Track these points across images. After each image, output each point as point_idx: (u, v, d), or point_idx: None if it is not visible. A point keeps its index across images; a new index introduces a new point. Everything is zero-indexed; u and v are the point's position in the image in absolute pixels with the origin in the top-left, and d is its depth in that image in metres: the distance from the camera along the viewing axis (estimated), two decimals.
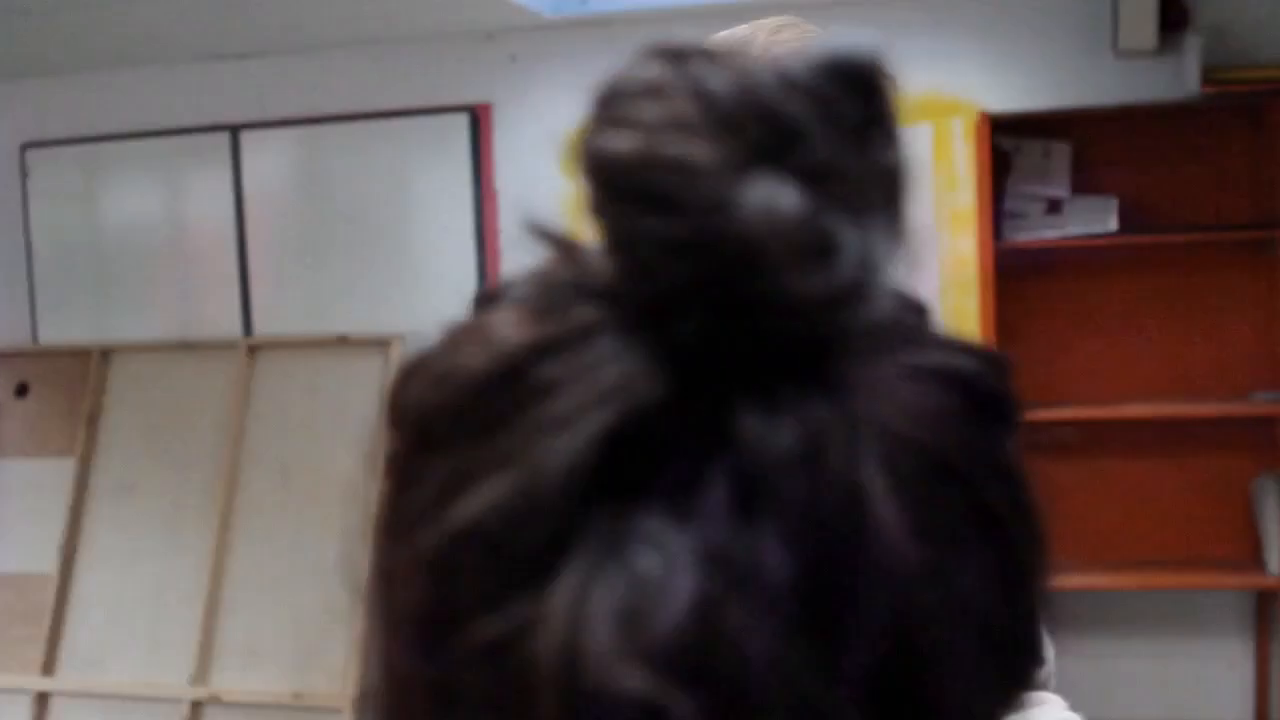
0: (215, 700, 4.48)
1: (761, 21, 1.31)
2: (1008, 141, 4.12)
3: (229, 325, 4.90)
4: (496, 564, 0.35)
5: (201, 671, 4.50)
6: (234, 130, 4.87)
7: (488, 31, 4.59)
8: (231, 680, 4.50)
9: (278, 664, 4.45)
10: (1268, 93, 3.93)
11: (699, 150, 0.35)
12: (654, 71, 0.38)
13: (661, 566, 0.34)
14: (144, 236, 5.04)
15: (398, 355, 4.55)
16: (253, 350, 4.76)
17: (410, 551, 0.38)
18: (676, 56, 0.38)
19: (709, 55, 0.38)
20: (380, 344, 4.61)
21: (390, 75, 4.69)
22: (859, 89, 0.36)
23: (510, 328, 0.38)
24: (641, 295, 0.36)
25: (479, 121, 4.64)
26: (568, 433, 0.35)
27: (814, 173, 0.35)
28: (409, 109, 4.68)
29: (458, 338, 0.40)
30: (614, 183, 0.37)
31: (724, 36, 1.31)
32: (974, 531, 0.37)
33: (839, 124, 0.36)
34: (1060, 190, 4.11)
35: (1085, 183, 4.13)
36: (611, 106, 0.38)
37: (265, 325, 4.86)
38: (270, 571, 4.54)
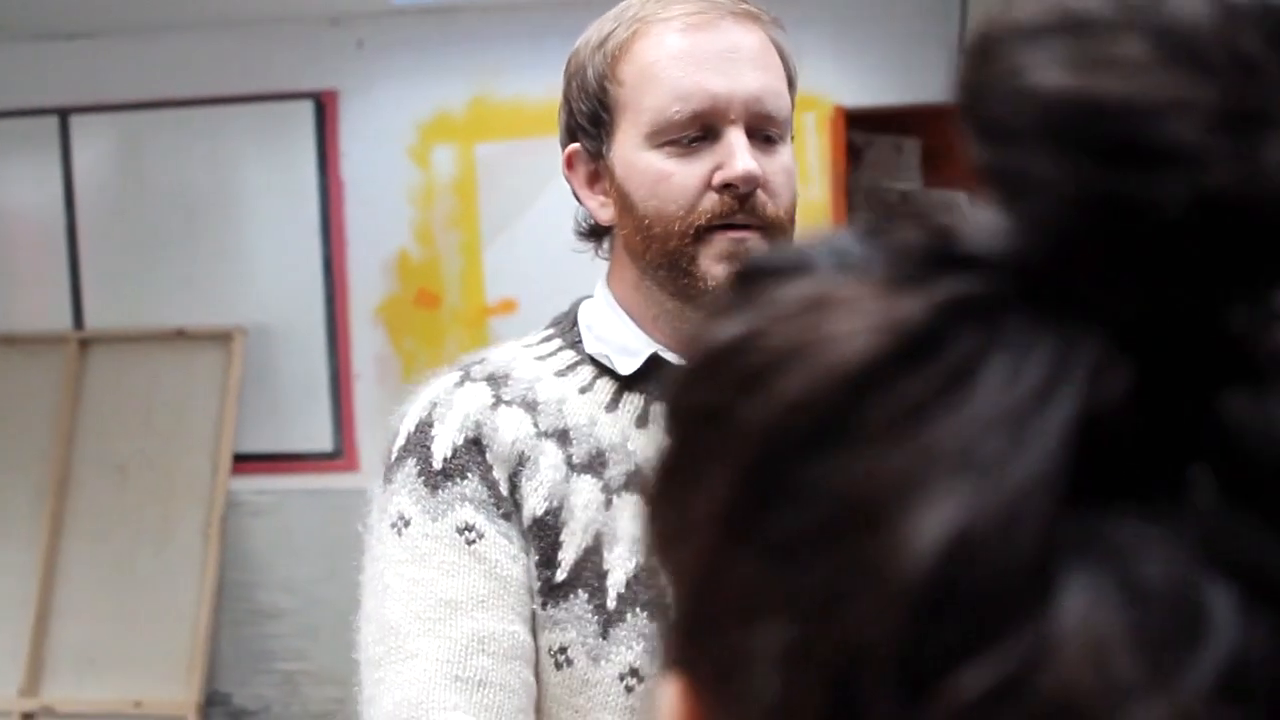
0: (49, 712, 4.29)
1: None
2: (859, 136, 4.14)
3: (57, 318, 4.68)
4: (977, 596, 0.29)
5: (32, 682, 4.29)
6: (63, 114, 4.65)
7: (333, 17, 4.45)
8: (66, 690, 4.31)
9: (116, 672, 4.27)
10: None
11: (1197, 92, 0.29)
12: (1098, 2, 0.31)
13: (1171, 580, 0.28)
14: None
15: (240, 349, 4.40)
16: (84, 344, 4.55)
17: (819, 599, 0.31)
18: None
19: None
20: (221, 337, 4.45)
21: (232, 60, 4.53)
22: None
23: (880, 302, 0.32)
24: (1081, 265, 0.30)
25: (324, 109, 4.51)
26: (1029, 431, 0.29)
27: None
28: (252, 95, 4.52)
29: (795, 318, 0.33)
30: (1063, 129, 0.30)
31: (612, 10, 1.23)
32: None
33: None
34: (911, 184, 4.15)
35: (936, 178, 4.17)
36: (1048, 39, 0.31)
37: (97, 319, 4.65)
38: (107, 575, 4.35)
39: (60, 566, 4.38)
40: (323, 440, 4.51)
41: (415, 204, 4.48)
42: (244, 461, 4.44)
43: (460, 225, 4.46)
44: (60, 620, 4.35)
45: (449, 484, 1.15)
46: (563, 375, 1.22)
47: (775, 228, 1.16)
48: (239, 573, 4.41)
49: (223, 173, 4.59)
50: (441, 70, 4.45)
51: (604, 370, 1.22)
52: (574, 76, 1.21)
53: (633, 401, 1.21)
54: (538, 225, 4.39)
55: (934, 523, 0.28)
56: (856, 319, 0.31)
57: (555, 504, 1.15)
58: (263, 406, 4.50)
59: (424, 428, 1.17)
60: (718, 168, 1.14)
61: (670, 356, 1.20)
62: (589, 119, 1.20)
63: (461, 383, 1.20)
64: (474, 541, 1.13)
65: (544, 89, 4.36)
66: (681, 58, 1.14)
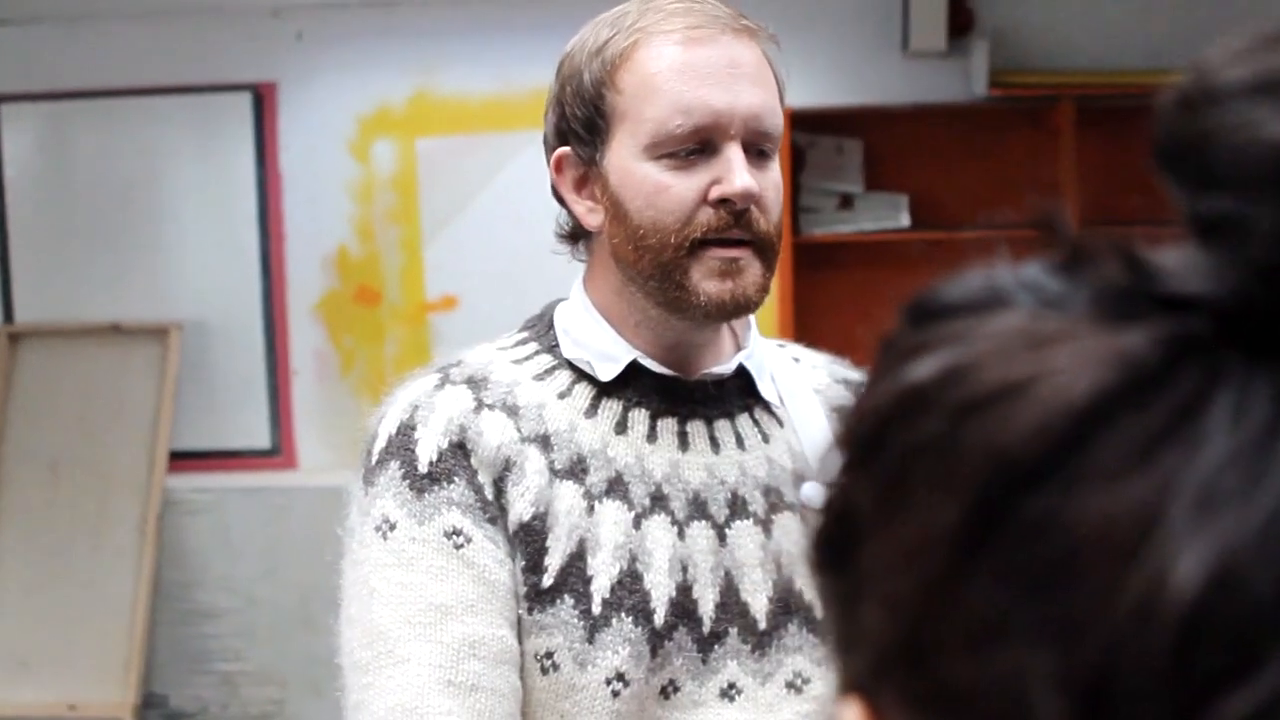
0: None
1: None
2: (802, 137, 4.15)
3: None
4: (1239, 624, 0.30)
5: None
6: None
7: (273, 8, 4.39)
8: None
9: (50, 673, 4.20)
10: (1050, 97, 4.07)
11: None
12: None
13: None
14: None
15: (176, 345, 4.34)
16: (14, 338, 4.47)
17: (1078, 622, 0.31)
18: None
19: None
20: (158, 332, 4.39)
21: (170, 50, 4.44)
22: None
23: (1101, 338, 0.33)
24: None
25: (263, 101, 4.44)
26: (1266, 465, 0.30)
27: None
28: (189, 85, 4.45)
29: (1011, 353, 0.34)
30: None
31: (604, 14, 1.22)
32: None
33: None
34: (853, 186, 4.17)
35: (877, 179, 4.20)
36: (1272, 95, 0.33)
37: (28, 312, 4.56)
38: (40, 574, 4.28)
39: None
40: (261, 437, 4.47)
41: (355, 199, 4.43)
42: (181, 459, 4.38)
43: (401, 221, 4.42)
44: None
45: (435, 488, 1.14)
46: (540, 380, 1.22)
47: (766, 243, 1.18)
48: (176, 572, 4.36)
49: (159, 164, 4.51)
50: (382, 63, 4.40)
51: (582, 375, 1.23)
52: (568, 80, 1.21)
53: (611, 408, 1.21)
54: (479, 222, 4.36)
55: (1194, 555, 0.30)
56: (1079, 354, 0.33)
57: (541, 509, 1.15)
58: (199, 403, 4.44)
59: (406, 430, 1.17)
60: (715, 182, 1.15)
61: (649, 363, 1.22)
62: (584, 124, 1.20)
63: (441, 385, 1.20)
64: (462, 546, 1.13)
65: (487, 84, 4.34)
66: (684, 70, 1.15)
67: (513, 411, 1.19)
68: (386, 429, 1.19)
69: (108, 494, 4.31)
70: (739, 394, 1.25)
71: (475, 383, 1.20)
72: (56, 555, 4.28)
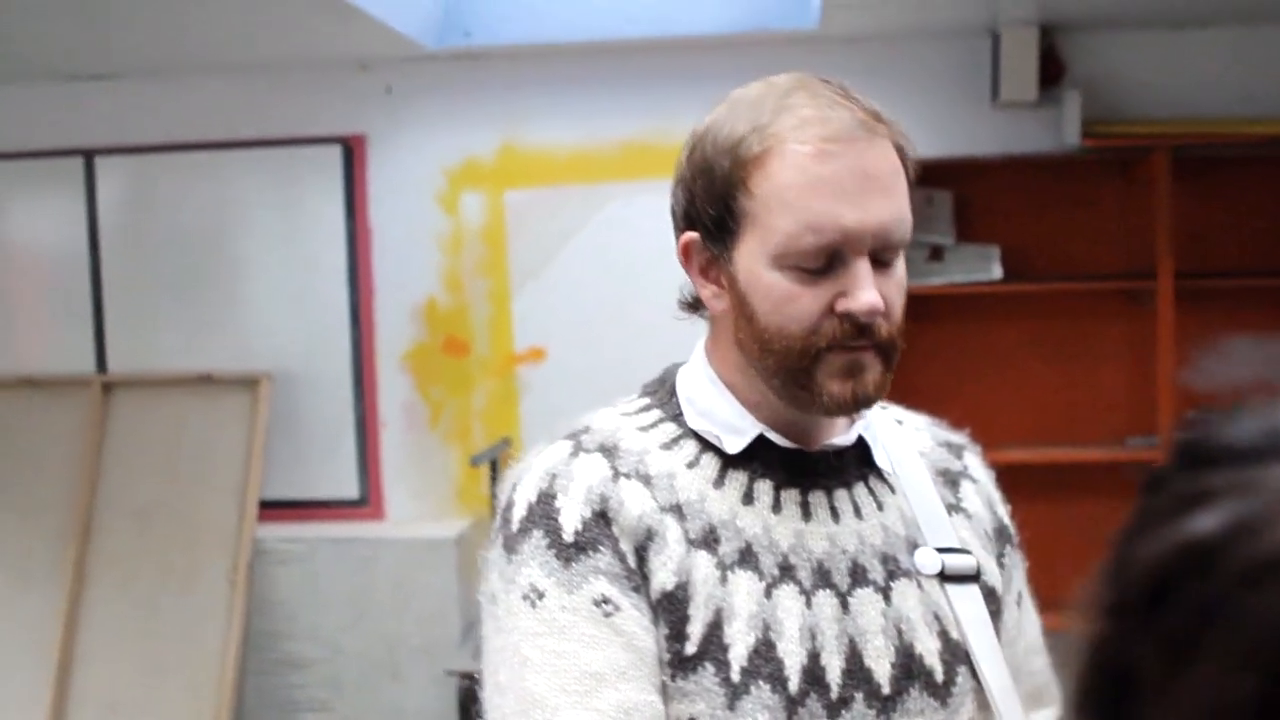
0: None
1: (776, 80, 1.22)
2: None
3: (80, 361, 4.65)
4: None
5: None
6: (88, 155, 4.62)
7: (362, 62, 4.44)
8: None
9: (139, 718, 4.23)
10: (1141, 147, 4.03)
11: None
12: None
13: None
14: None
15: (266, 395, 4.37)
16: (107, 388, 4.52)
17: None
18: None
19: None
20: (248, 383, 4.43)
21: (260, 103, 4.51)
22: None
23: None
24: None
25: (353, 153, 4.49)
26: None
27: None
28: (279, 139, 4.50)
29: None
30: None
31: (738, 96, 1.22)
32: None
33: None
34: (944, 238, 4.15)
35: (968, 231, 4.18)
36: None
37: (121, 362, 4.62)
38: (130, 622, 4.31)
39: (83, 613, 4.35)
40: (349, 488, 4.49)
41: (444, 250, 4.46)
42: (269, 508, 4.41)
43: (489, 272, 4.45)
44: (83, 667, 4.31)
45: (582, 557, 1.16)
46: (668, 449, 1.24)
47: (889, 346, 1.19)
48: (264, 621, 4.37)
49: (249, 216, 4.56)
50: (470, 116, 4.43)
51: (707, 445, 1.25)
52: (700, 170, 1.21)
53: (738, 478, 1.23)
54: (566, 273, 4.38)
55: None
56: None
57: (683, 578, 1.17)
58: (288, 453, 4.48)
59: (546, 499, 1.19)
60: (840, 294, 1.16)
61: (774, 437, 1.24)
62: (714, 220, 1.21)
63: (576, 453, 1.22)
64: (611, 614, 1.15)
65: (573, 136, 4.36)
66: (816, 185, 1.15)
67: (647, 480, 1.21)
68: (525, 497, 1.21)
69: (197, 543, 4.34)
70: (855, 463, 1.28)
71: (608, 450, 1.22)
72: (146, 603, 4.31)
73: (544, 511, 1.18)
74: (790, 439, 1.25)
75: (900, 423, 1.37)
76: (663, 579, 1.17)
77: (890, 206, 1.16)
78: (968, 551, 1.29)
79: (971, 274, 4.10)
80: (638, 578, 1.17)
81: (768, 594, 1.19)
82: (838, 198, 1.14)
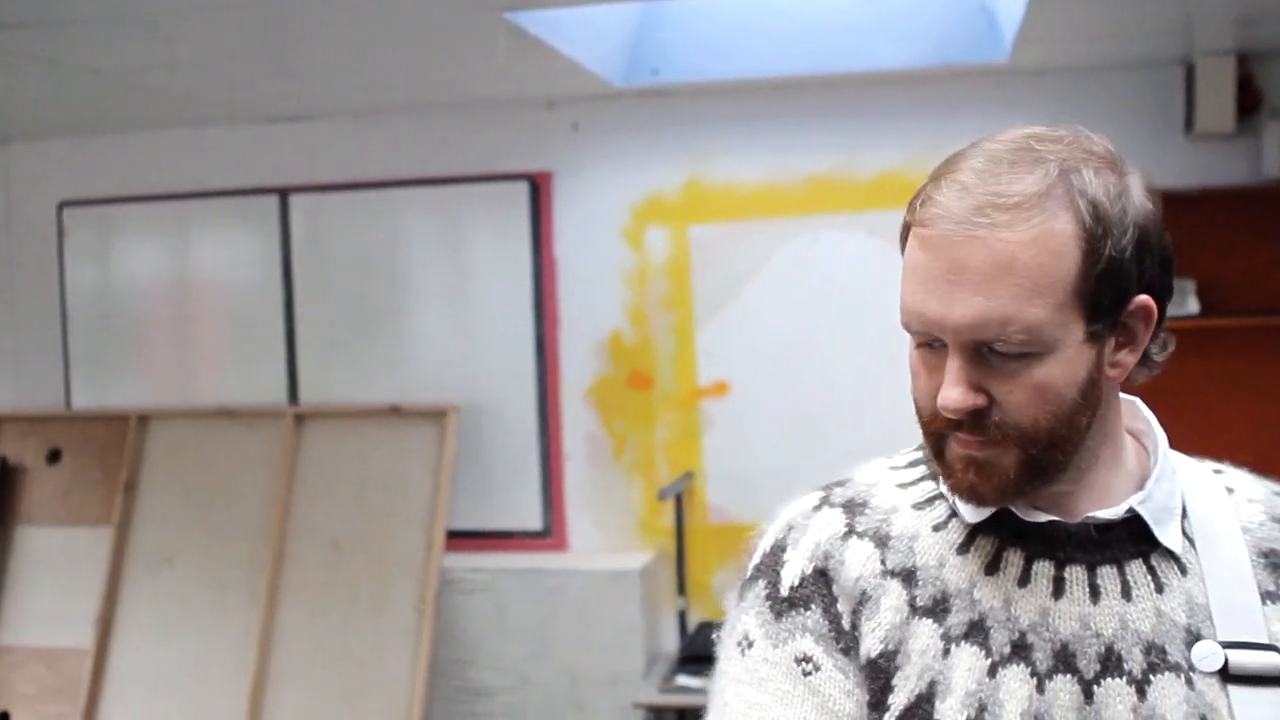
0: None
1: (989, 146, 1.10)
2: None
3: (274, 393, 4.79)
4: None
5: None
6: (283, 193, 4.78)
7: (548, 99, 4.52)
8: None
9: None
10: None
11: None
12: None
13: None
14: (186, 299, 4.93)
15: (454, 426, 4.46)
16: (299, 419, 4.65)
17: None
18: None
19: None
20: (435, 415, 4.51)
21: (449, 141, 4.62)
22: None
23: None
24: None
25: (539, 190, 4.57)
26: None
27: None
28: (466, 175, 4.61)
29: None
30: None
31: (973, 167, 1.10)
32: None
33: None
34: None
35: None
36: None
37: (312, 393, 4.75)
38: (320, 649, 4.41)
39: (276, 637, 4.46)
40: (533, 519, 4.55)
41: (629, 285, 4.51)
42: (455, 538, 4.48)
43: (673, 307, 4.48)
44: (276, 690, 4.42)
45: (793, 612, 1.16)
46: (920, 509, 1.20)
47: (1011, 440, 1.10)
48: (450, 649, 4.44)
49: (438, 252, 4.67)
50: (655, 152, 4.49)
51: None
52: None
53: (984, 546, 1.16)
54: (751, 308, 4.39)
55: None
56: None
57: (891, 647, 1.13)
58: (474, 484, 4.55)
59: (777, 551, 1.20)
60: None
61: (1019, 511, 1.15)
62: None
63: (819, 507, 1.21)
64: (810, 674, 1.14)
65: (757, 172, 4.39)
66: (913, 271, 1.10)
67: (882, 542, 1.17)
68: (763, 545, 1.22)
69: (386, 572, 4.43)
70: (1131, 538, 1.15)
71: (852, 507, 1.20)
72: (337, 629, 4.41)
73: (772, 562, 1.19)
74: (1047, 509, 1.15)
75: (1231, 490, 1.21)
76: (869, 645, 1.13)
77: (980, 305, 1.06)
78: (1276, 649, 1.10)
79: (1169, 308, 4.02)
80: (849, 639, 1.14)
81: (991, 672, 1.10)
82: (927, 288, 1.09)
